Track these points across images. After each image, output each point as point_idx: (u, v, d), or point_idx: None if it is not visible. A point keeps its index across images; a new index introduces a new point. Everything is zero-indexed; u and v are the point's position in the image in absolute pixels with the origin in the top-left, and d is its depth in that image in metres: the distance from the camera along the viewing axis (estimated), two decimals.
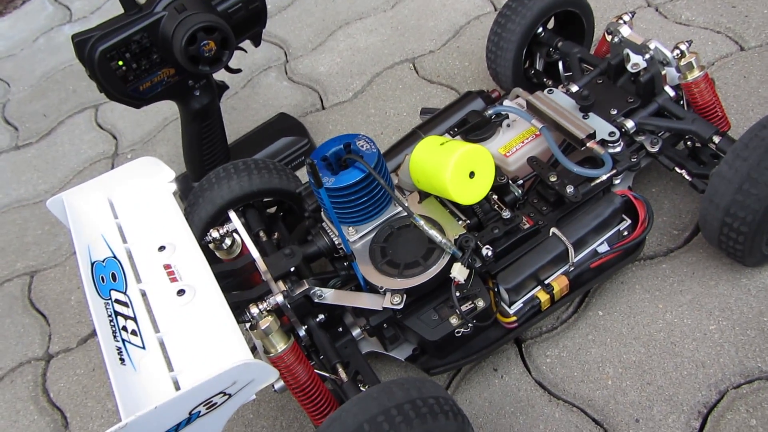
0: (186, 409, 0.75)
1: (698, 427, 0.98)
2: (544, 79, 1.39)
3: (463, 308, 0.96)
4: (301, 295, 1.00)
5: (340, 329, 1.09)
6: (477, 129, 1.17)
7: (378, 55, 1.81)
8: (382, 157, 1.04)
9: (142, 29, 1.18)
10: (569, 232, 1.03)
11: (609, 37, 1.21)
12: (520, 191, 1.09)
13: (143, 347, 0.84)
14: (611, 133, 1.10)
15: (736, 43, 1.49)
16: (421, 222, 0.98)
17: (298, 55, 1.90)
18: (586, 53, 1.29)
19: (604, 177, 1.06)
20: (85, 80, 2.05)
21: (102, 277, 0.92)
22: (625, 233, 1.09)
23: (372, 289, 1.02)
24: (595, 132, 1.09)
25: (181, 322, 0.87)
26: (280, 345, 0.90)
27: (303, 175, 1.48)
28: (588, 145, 1.08)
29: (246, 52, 1.39)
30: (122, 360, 0.81)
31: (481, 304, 0.97)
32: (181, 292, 0.90)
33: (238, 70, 1.36)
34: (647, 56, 1.14)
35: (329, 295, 1.02)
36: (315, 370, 0.94)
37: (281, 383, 0.93)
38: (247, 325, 0.97)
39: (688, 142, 1.15)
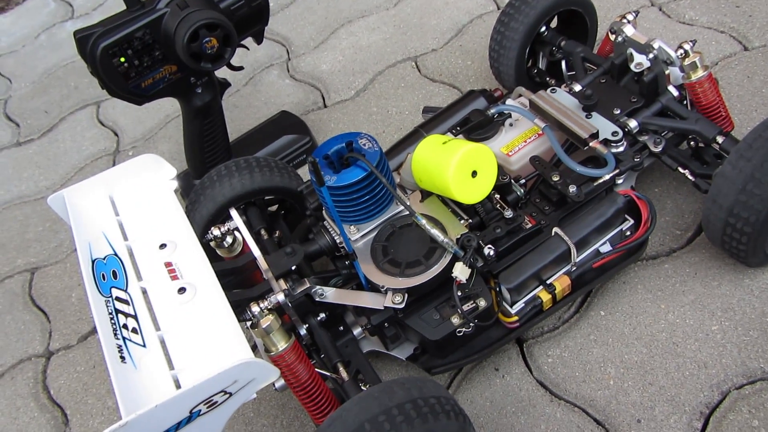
0: (187, 407, 0.74)
1: (700, 427, 0.98)
2: (547, 79, 1.39)
3: (465, 308, 0.96)
4: (302, 293, 1.00)
5: (341, 328, 1.09)
6: (479, 128, 1.16)
7: (380, 53, 1.80)
8: (384, 155, 1.04)
9: (145, 26, 1.18)
10: (571, 232, 1.03)
11: (612, 37, 1.21)
12: (522, 190, 1.08)
13: (144, 345, 0.83)
14: (614, 133, 1.09)
15: (740, 43, 1.48)
16: (423, 221, 0.98)
17: (300, 53, 1.90)
18: (589, 52, 1.29)
19: (607, 177, 1.06)
20: (87, 77, 2.05)
21: (103, 275, 0.91)
22: (628, 233, 1.09)
23: (373, 288, 1.01)
24: (598, 131, 1.09)
25: (182, 320, 0.87)
26: (281, 344, 0.90)
27: (304, 173, 1.48)
28: (591, 144, 1.08)
29: (248, 49, 1.39)
30: (123, 358, 0.81)
31: (482, 303, 0.97)
32: (182, 290, 0.90)
33: (240, 68, 1.36)
34: (651, 56, 1.14)
35: (330, 294, 1.02)
36: (316, 369, 0.94)
37: (282, 382, 0.92)
38: (248, 323, 0.97)
39: (692, 142, 1.14)
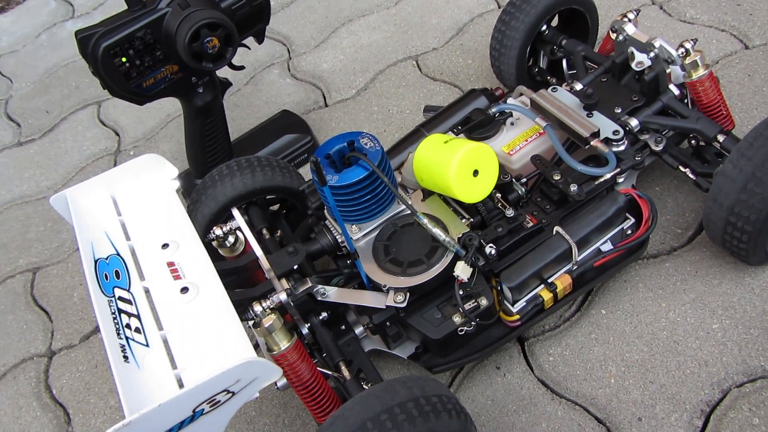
0: (190, 406, 0.75)
1: (701, 425, 0.98)
2: (548, 77, 1.39)
3: (466, 306, 0.96)
4: (304, 293, 1.00)
5: (343, 327, 1.09)
6: (480, 127, 1.16)
7: (381, 52, 1.80)
8: (386, 154, 1.04)
9: (146, 26, 1.18)
10: (573, 231, 1.03)
11: (613, 35, 1.21)
12: (523, 189, 1.08)
13: (147, 345, 0.84)
14: (615, 132, 1.10)
15: (741, 42, 1.48)
16: (425, 220, 0.98)
17: (301, 52, 1.90)
18: (590, 51, 1.29)
19: (608, 175, 1.06)
20: (88, 76, 2.05)
21: (105, 275, 0.92)
22: (629, 232, 1.09)
23: (375, 287, 1.02)
24: (599, 130, 1.09)
25: (185, 319, 0.87)
26: (283, 343, 0.90)
27: (306, 172, 1.48)
28: (592, 143, 1.08)
29: (249, 48, 1.39)
30: (126, 357, 0.81)
31: (484, 302, 0.97)
32: (184, 289, 0.90)
33: (242, 67, 1.36)
34: (652, 54, 1.14)
35: (332, 293, 1.02)
36: (318, 368, 0.94)
37: (284, 381, 0.93)
38: (250, 322, 0.97)
39: (693, 141, 1.15)
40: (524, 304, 1.04)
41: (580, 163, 1.05)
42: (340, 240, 1.08)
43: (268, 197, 1.19)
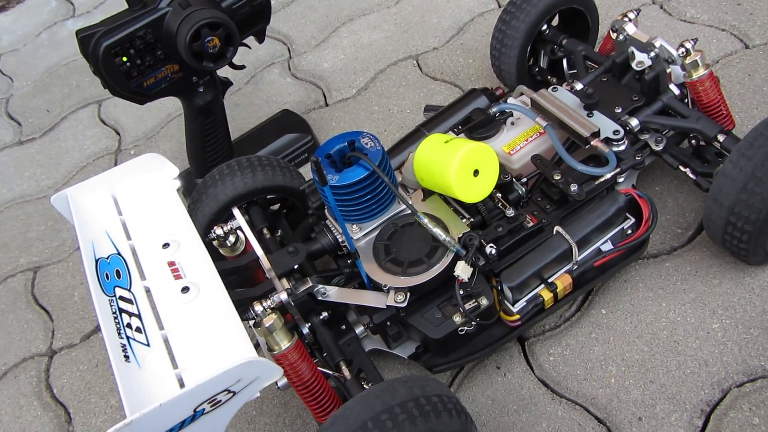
0: (191, 406, 0.75)
1: (701, 425, 0.98)
2: (549, 77, 1.39)
3: (467, 306, 0.97)
4: (304, 292, 1.00)
5: (344, 327, 1.09)
6: (481, 127, 1.16)
7: (381, 51, 1.80)
8: (386, 154, 1.04)
9: (147, 25, 1.18)
10: (573, 231, 1.03)
11: (614, 35, 1.21)
12: (523, 189, 1.08)
13: (148, 344, 0.84)
14: (616, 132, 1.10)
15: (741, 41, 1.48)
16: (425, 220, 0.98)
17: (301, 52, 1.90)
18: (590, 51, 1.29)
19: (608, 175, 1.06)
20: (89, 75, 2.05)
21: (106, 274, 0.92)
22: (629, 232, 1.09)
23: (375, 287, 1.02)
24: (599, 130, 1.09)
25: (186, 319, 0.87)
26: (284, 342, 0.90)
27: (306, 171, 1.48)
28: (592, 143, 1.08)
29: (250, 48, 1.39)
30: (127, 357, 0.81)
31: (484, 302, 0.97)
32: (185, 289, 0.90)
33: (242, 67, 1.36)
34: (652, 54, 1.14)
35: (333, 293, 1.03)
36: (318, 368, 0.95)
37: (285, 380, 0.93)
38: (251, 322, 0.97)
39: (693, 141, 1.15)
40: (524, 303, 1.04)
41: (581, 162, 1.06)
42: (340, 240, 1.08)
43: (268, 197, 1.19)
